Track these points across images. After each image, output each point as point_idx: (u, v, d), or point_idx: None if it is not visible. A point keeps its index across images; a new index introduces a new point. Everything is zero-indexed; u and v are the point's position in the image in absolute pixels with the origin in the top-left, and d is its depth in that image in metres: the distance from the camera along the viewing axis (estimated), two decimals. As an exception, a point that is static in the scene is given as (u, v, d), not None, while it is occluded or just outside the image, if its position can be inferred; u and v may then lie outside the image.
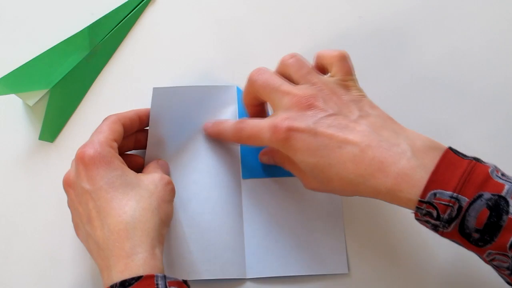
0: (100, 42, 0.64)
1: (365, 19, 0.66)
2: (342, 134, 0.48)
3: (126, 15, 0.65)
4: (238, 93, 0.62)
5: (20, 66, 0.61)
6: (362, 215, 0.61)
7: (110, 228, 0.48)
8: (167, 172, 0.58)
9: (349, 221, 0.60)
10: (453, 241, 0.46)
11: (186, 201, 0.58)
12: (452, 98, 0.64)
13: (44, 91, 0.61)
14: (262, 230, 0.60)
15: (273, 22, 0.66)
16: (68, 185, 0.53)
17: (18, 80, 0.60)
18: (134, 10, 0.65)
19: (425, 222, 0.47)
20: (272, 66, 0.55)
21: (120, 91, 0.63)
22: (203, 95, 0.60)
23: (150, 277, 0.46)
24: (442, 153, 0.46)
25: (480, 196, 0.43)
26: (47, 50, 0.62)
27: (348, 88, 0.52)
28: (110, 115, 0.55)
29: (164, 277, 0.47)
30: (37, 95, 0.61)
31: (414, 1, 0.67)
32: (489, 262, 0.45)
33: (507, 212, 0.43)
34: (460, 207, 0.44)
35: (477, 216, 0.43)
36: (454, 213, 0.44)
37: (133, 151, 0.60)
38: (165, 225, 0.51)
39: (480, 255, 0.45)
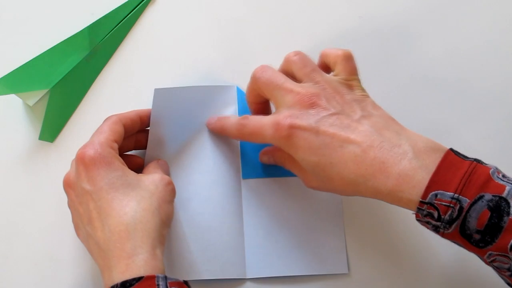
0: (100, 42, 0.63)
1: (365, 19, 0.66)
2: (344, 133, 0.48)
3: (126, 15, 0.65)
4: (238, 93, 0.62)
5: (20, 66, 0.60)
6: (362, 215, 0.61)
7: (110, 229, 0.48)
8: (167, 172, 0.58)
9: (349, 221, 0.60)
10: (454, 242, 0.47)
11: (186, 201, 0.58)
12: (452, 98, 0.64)
13: (44, 91, 0.61)
14: (262, 230, 0.60)
15: (273, 22, 0.66)
16: (69, 185, 0.53)
17: (18, 80, 0.60)
18: (134, 10, 0.65)
19: (425, 223, 0.47)
20: (272, 66, 0.55)
21: (120, 91, 0.63)
22: (203, 95, 0.60)
23: (151, 277, 0.46)
24: (443, 154, 0.46)
25: (481, 197, 0.43)
26: (47, 50, 0.62)
27: (351, 87, 0.52)
28: (111, 116, 0.55)
29: (165, 277, 0.47)
30: (37, 95, 0.61)
31: (414, 1, 0.67)
32: (489, 263, 0.45)
33: (508, 213, 0.43)
34: (461, 208, 0.44)
35: (478, 217, 0.43)
36: (455, 214, 0.44)
37: (133, 151, 0.60)
38: (165, 225, 0.51)
39: (480, 256, 0.45)
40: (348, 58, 0.53)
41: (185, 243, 0.57)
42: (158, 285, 0.46)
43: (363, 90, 0.53)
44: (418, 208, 0.46)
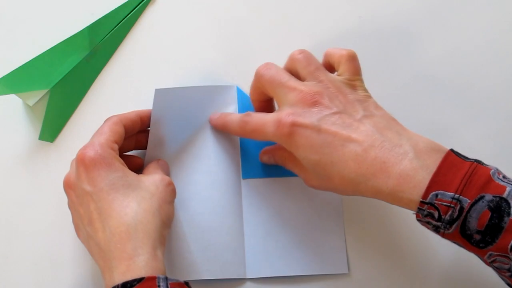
0: (100, 42, 0.63)
1: (365, 19, 0.66)
2: (346, 132, 0.48)
3: (126, 15, 0.64)
4: (238, 93, 0.62)
5: (20, 66, 0.60)
6: (362, 215, 0.61)
7: (111, 230, 0.48)
8: (167, 172, 0.58)
9: (349, 221, 0.60)
10: (454, 242, 0.47)
11: (186, 201, 0.58)
12: (452, 98, 0.64)
13: (44, 91, 0.61)
14: (262, 230, 0.60)
15: (273, 22, 0.66)
16: (69, 186, 0.52)
17: (18, 80, 0.60)
18: (134, 10, 0.65)
19: (426, 223, 0.47)
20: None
21: (120, 91, 0.63)
22: (203, 95, 0.60)
23: (152, 278, 0.46)
24: (444, 155, 0.46)
25: (481, 197, 0.43)
26: (47, 50, 0.62)
27: (354, 87, 0.52)
28: (112, 116, 0.55)
29: (166, 278, 0.47)
30: (37, 95, 0.61)
31: (414, 1, 0.67)
32: (489, 263, 0.45)
33: (509, 214, 0.43)
34: (461, 208, 0.44)
35: (479, 217, 0.43)
36: (455, 214, 0.44)
37: (133, 151, 0.60)
38: (166, 226, 0.52)
39: (481, 256, 0.46)
40: (352, 59, 0.53)
41: (185, 243, 0.57)
42: (159, 286, 0.46)
43: (366, 90, 0.53)
44: (418, 208, 0.46)
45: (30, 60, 0.61)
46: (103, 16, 0.64)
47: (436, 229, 0.46)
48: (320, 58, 0.55)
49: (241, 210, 0.60)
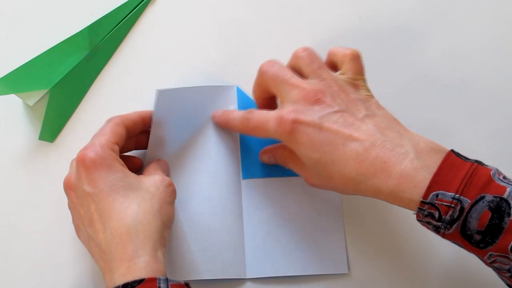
0: (100, 42, 0.63)
1: (365, 19, 0.66)
2: (347, 131, 0.48)
3: (126, 15, 0.64)
4: (238, 93, 0.62)
5: (20, 66, 0.60)
6: (362, 215, 0.61)
7: (112, 231, 0.48)
8: (167, 173, 0.58)
9: (349, 220, 0.61)
10: (454, 242, 0.47)
11: (186, 201, 0.58)
12: (452, 98, 0.64)
13: (44, 91, 0.61)
14: (262, 230, 0.60)
15: (273, 22, 0.66)
16: (69, 187, 0.52)
17: (18, 80, 0.60)
18: (134, 10, 0.65)
19: (426, 223, 0.47)
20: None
21: (120, 91, 0.63)
22: (203, 95, 0.60)
23: (153, 280, 0.46)
24: (444, 155, 0.46)
25: (482, 198, 0.43)
26: (47, 50, 0.62)
27: (357, 87, 0.52)
28: (114, 117, 0.55)
29: (167, 279, 0.47)
30: (37, 95, 0.61)
31: (414, 1, 0.67)
32: (490, 264, 0.45)
33: (509, 214, 0.43)
34: (462, 208, 0.44)
35: (479, 217, 0.43)
36: (456, 214, 0.44)
37: (132, 151, 0.60)
38: (166, 227, 0.51)
39: (481, 257, 0.46)
40: (356, 58, 0.53)
41: (185, 243, 0.57)
42: (159, 287, 0.46)
43: (368, 90, 0.53)
44: (419, 208, 0.46)
45: (30, 60, 0.61)
46: (103, 16, 0.64)
47: (436, 229, 0.46)
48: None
49: (241, 210, 0.60)
